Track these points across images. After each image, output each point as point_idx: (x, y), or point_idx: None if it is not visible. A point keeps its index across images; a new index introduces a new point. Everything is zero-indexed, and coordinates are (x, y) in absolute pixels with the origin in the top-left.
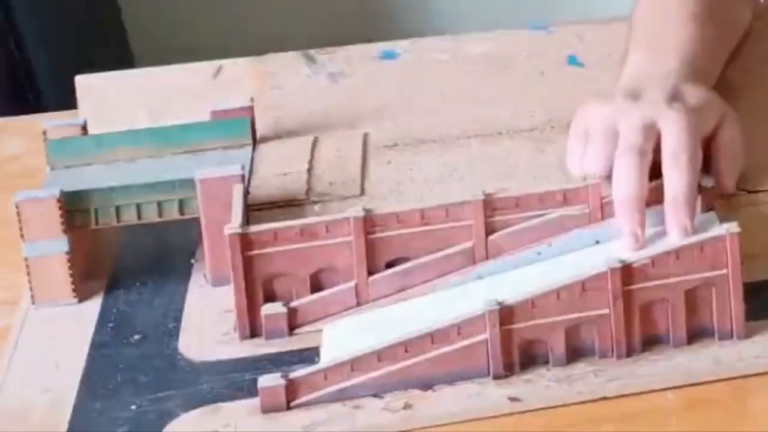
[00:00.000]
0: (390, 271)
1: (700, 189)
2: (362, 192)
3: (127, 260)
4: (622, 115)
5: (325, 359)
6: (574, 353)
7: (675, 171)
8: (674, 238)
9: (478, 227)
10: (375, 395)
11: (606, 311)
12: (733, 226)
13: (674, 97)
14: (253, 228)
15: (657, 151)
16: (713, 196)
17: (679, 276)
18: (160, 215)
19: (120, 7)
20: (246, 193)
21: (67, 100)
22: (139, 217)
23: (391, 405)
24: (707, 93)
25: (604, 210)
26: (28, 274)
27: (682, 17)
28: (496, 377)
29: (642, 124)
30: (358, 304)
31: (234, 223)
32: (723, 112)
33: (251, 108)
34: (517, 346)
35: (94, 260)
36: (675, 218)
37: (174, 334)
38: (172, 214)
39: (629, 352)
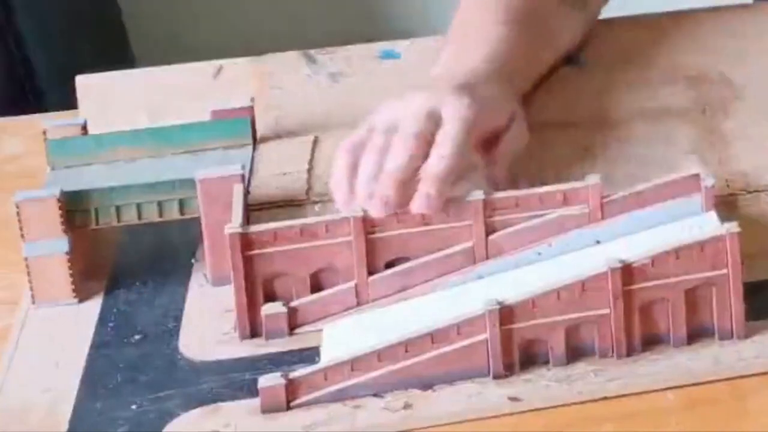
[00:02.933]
0: (390, 271)
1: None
2: None
3: (127, 260)
4: (405, 105)
5: (325, 359)
6: (575, 353)
7: (436, 150)
8: (414, 205)
9: (478, 227)
10: (375, 395)
11: (606, 311)
12: (733, 226)
13: (462, 89)
14: (254, 228)
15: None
16: (713, 196)
17: (679, 276)
18: (160, 215)
19: (120, 7)
20: (246, 192)
21: (67, 100)
22: (140, 217)
23: (391, 405)
24: (499, 92)
25: (604, 210)
26: (28, 274)
27: (494, 21)
28: (496, 377)
29: (424, 111)
30: (358, 304)
31: (234, 223)
32: (512, 113)
33: (251, 108)
34: (517, 345)
35: (94, 260)
36: (421, 189)
37: (174, 333)
38: (173, 213)
39: (629, 352)
